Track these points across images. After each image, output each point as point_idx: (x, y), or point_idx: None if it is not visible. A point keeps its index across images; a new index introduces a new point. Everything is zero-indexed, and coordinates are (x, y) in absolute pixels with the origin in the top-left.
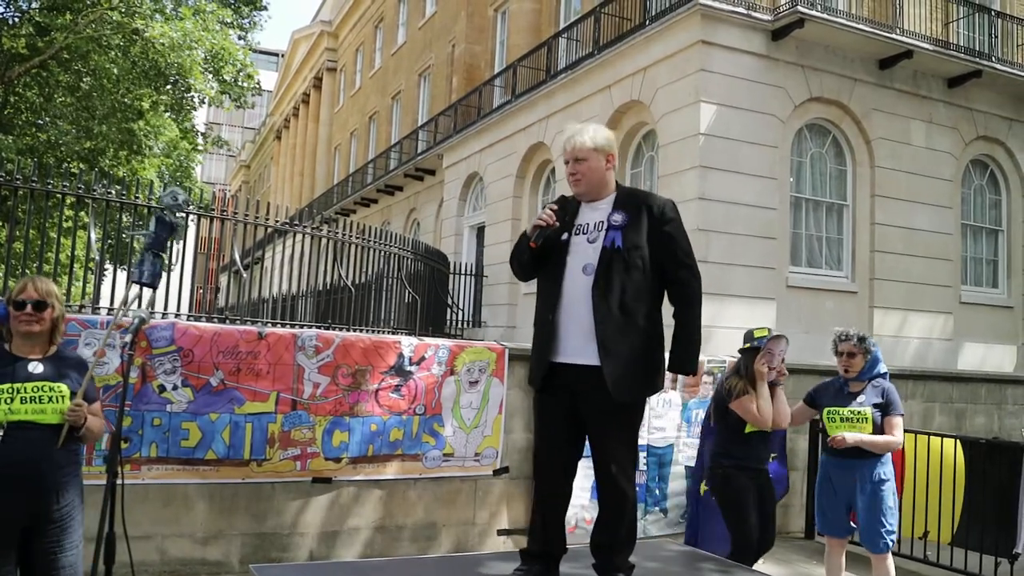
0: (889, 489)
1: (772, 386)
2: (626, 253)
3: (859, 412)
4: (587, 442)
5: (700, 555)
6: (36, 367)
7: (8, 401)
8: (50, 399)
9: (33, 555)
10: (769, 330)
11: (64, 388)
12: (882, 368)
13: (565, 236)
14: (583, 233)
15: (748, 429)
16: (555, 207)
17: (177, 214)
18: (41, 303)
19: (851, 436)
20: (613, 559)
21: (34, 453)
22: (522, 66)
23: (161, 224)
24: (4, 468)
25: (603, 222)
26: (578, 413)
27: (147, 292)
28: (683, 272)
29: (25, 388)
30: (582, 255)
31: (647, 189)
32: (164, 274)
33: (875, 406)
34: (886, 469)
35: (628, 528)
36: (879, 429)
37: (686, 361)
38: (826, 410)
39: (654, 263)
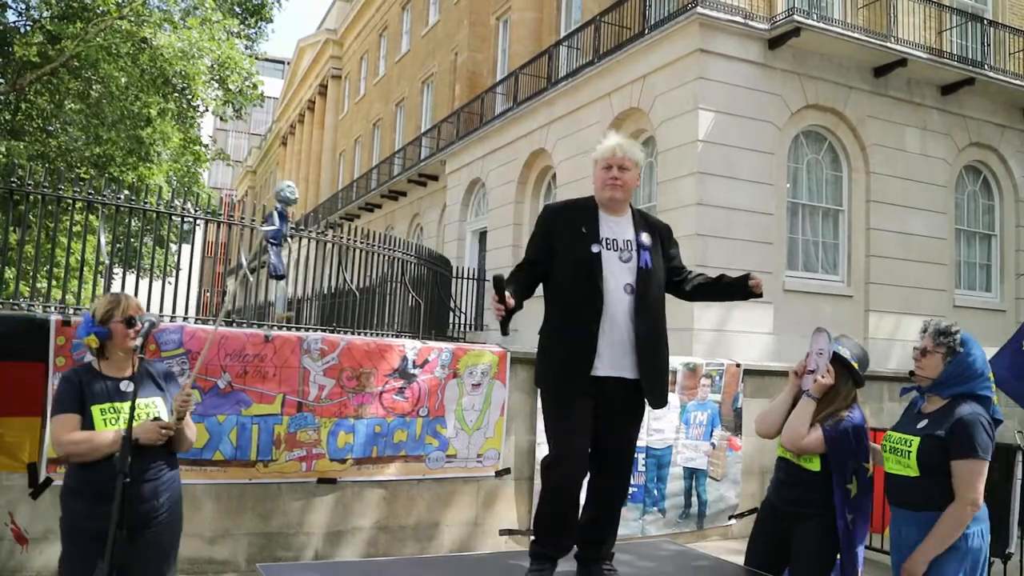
0: (954, 558)
1: (802, 395)
2: (655, 273)
3: (904, 440)
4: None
5: (695, 554)
6: (128, 386)
7: (114, 422)
8: (148, 416)
9: (134, 566)
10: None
11: (159, 402)
12: (980, 385)
13: (597, 249)
14: (614, 249)
15: (779, 452)
16: (498, 296)
17: (286, 207)
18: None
19: (917, 558)
20: (601, 549)
21: (143, 470)
22: (523, 74)
23: (282, 218)
24: (111, 483)
25: (631, 241)
26: (594, 419)
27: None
28: (683, 266)
29: (124, 408)
30: (619, 273)
31: (646, 196)
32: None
33: (931, 438)
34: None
35: (617, 521)
36: (929, 472)
37: (726, 277)
38: (885, 434)
39: (665, 282)
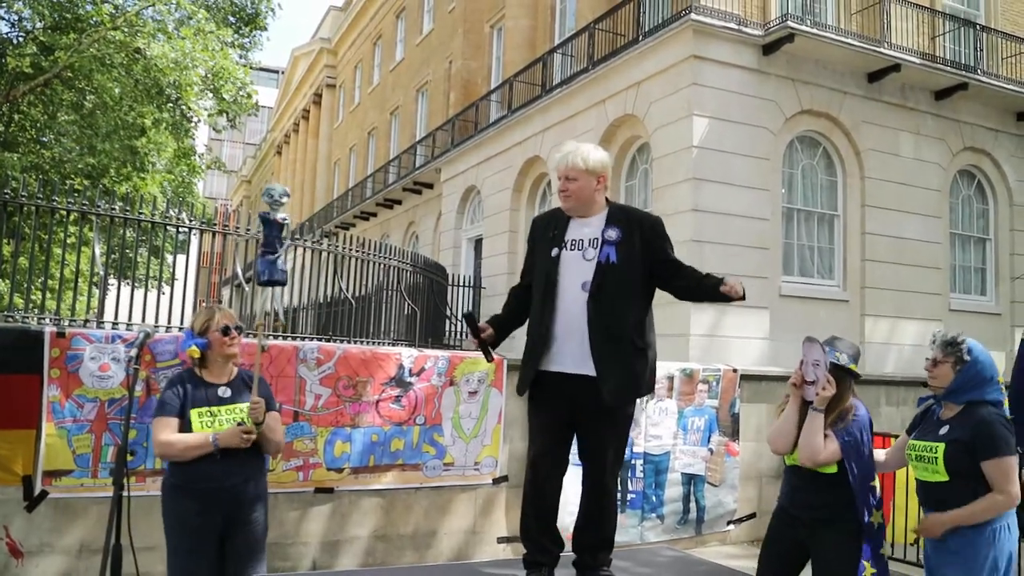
0: (981, 549)
1: (808, 407)
2: (620, 268)
3: (929, 447)
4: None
5: (693, 560)
6: (225, 392)
7: (209, 425)
8: (242, 421)
9: (231, 559)
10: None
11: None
12: (990, 390)
13: (556, 252)
14: (577, 249)
15: (788, 460)
16: (471, 330)
17: (273, 211)
18: (239, 327)
19: (942, 519)
20: (598, 556)
21: (234, 471)
22: (518, 81)
23: (267, 224)
24: (210, 485)
25: (597, 238)
26: (569, 418)
27: (277, 290)
28: (675, 261)
29: (220, 411)
30: (577, 271)
31: (641, 202)
32: (285, 270)
33: (955, 443)
34: (994, 543)
35: (612, 526)
36: (958, 476)
37: (709, 279)
38: (908, 443)
39: (645, 276)
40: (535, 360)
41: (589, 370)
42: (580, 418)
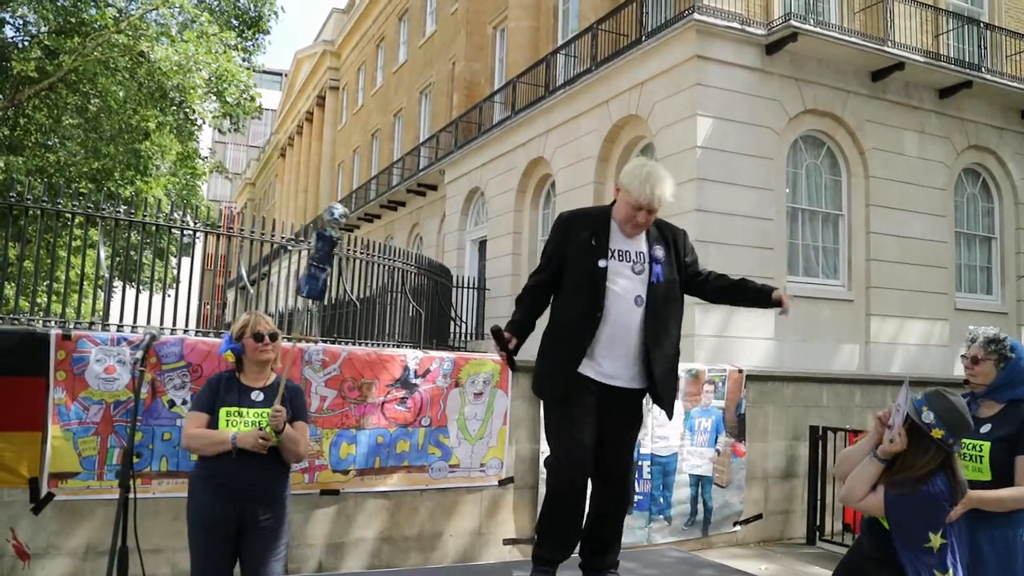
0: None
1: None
2: (667, 285)
3: (974, 446)
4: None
5: (699, 561)
6: (258, 396)
7: (236, 424)
8: (256, 425)
9: (244, 558)
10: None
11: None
12: None
13: (604, 263)
14: (626, 261)
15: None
16: (499, 344)
17: (330, 228)
18: (275, 334)
19: (974, 495)
20: (607, 557)
21: (251, 471)
22: (521, 82)
23: (324, 240)
24: (226, 481)
25: (644, 254)
26: (599, 426)
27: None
28: (703, 270)
29: (248, 414)
30: (629, 285)
31: None
32: (326, 288)
33: (1001, 440)
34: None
35: (620, 529)
36: (1002, 474)
37: (765, 288)
38: None
39: (681, 290)
40: (572, 363)
41: (629, 383)
42: (608, 425)
